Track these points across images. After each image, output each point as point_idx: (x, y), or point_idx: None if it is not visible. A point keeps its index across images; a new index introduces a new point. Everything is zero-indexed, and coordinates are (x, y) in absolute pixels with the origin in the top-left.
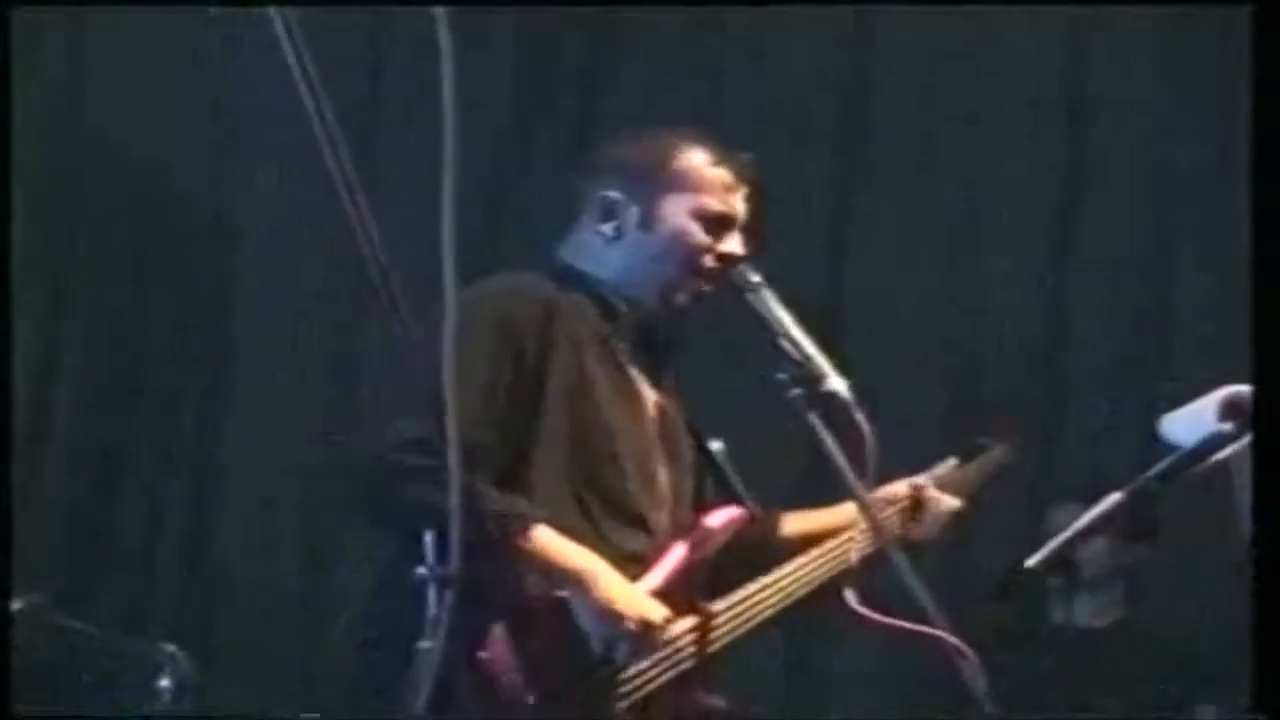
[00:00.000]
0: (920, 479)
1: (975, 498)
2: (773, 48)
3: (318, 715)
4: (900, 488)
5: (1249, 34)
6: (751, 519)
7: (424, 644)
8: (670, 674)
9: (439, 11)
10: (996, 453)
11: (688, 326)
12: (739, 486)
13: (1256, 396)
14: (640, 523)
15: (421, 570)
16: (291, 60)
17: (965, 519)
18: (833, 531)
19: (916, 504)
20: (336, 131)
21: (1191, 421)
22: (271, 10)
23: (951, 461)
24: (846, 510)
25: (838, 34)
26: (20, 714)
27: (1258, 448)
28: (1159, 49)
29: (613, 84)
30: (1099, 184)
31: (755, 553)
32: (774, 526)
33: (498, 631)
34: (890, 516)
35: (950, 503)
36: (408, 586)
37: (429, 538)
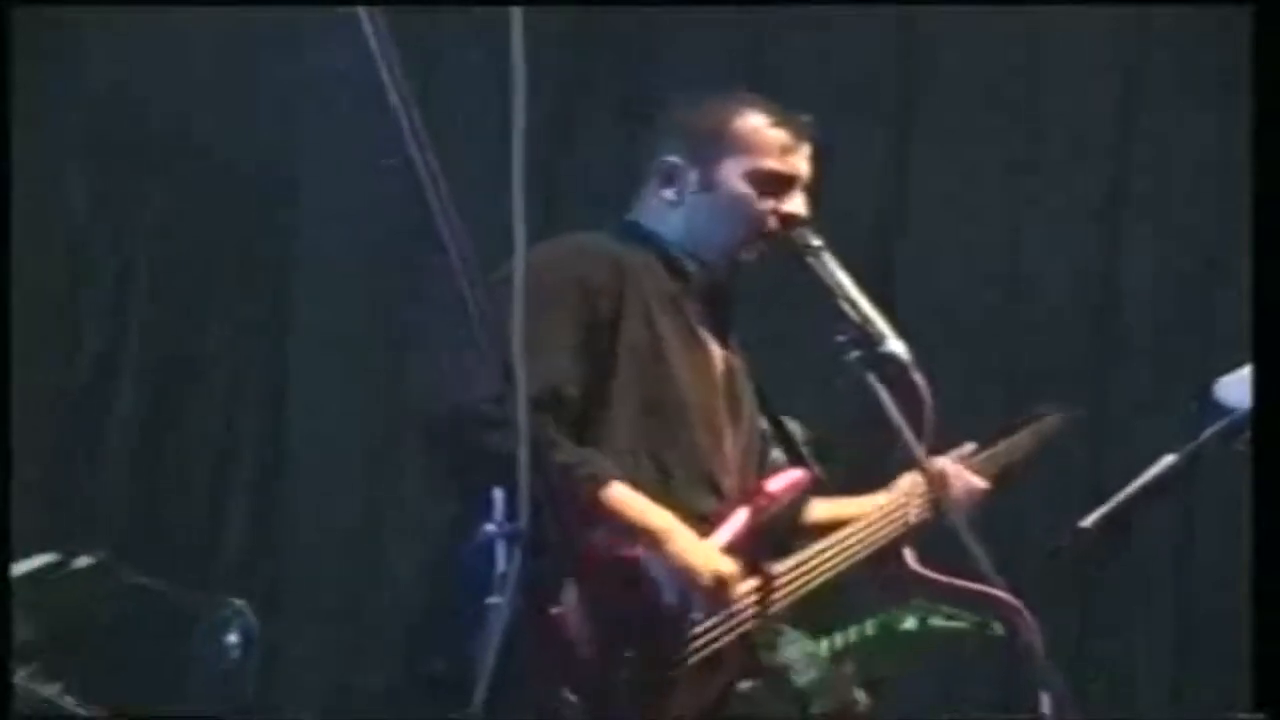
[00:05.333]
0: (942, 459)
1: (1028, 463)
2: (823, 26)
3: None
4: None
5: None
6: (815, 482)
7: (493, 599)
8: (734, 633)
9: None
10: (1050, 420)
11: (749, 295)
12: (804, 450)
13: (1257, 396)
14: (709, 482)
15: (490, 527)
16: (371, 39)
17: (996, 494)
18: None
19: (939, 483)
20: (411, 103)
21: (1246, 384)
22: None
23: (970, 446)
24: (871, 499)
25: (889, 14)
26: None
27: (1258, 447)
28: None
29: (661, 59)
30: (1144, 162)
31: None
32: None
33: (570, 588)
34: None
35: (975, 481)
36: (473, 544)
37: (499, 495)
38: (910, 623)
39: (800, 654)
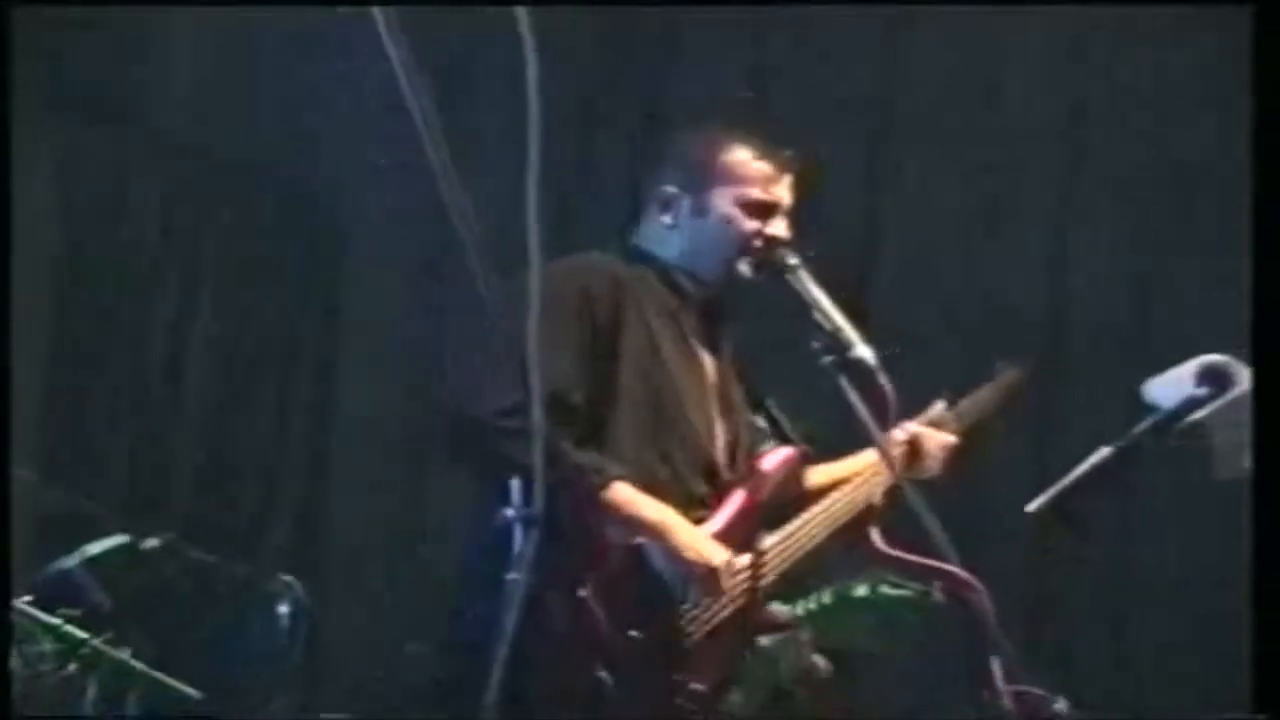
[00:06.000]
0: (911, 424)
1: (993, 419)
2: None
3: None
4: (896, 434)
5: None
6: (804, 457)
7: (511, 576)
8: (730, 608)
9: (521, 11)
10: (1009, 375)
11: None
12: (790, 430)
13: (1256, 396)
14: (704, 469)
15: (509, 512)
16: (394, 60)
17: (967, 451)
18: (850, 477)
19: (914, 446)
20: (436, 127)
21: (1172, 386)
22: (376, 12)
23: (940, 404)
24: (859, 459)
25: (871, 38)
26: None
27: (1258, 447)
28: (1153, 48)
29: (677, 79)
30: (1096, 180)
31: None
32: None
33: (590, 576)
34: (897, 458)
35: (945, 438)
36: (495, 528)
37: (516, 483)
38: (862, 590)
39: None
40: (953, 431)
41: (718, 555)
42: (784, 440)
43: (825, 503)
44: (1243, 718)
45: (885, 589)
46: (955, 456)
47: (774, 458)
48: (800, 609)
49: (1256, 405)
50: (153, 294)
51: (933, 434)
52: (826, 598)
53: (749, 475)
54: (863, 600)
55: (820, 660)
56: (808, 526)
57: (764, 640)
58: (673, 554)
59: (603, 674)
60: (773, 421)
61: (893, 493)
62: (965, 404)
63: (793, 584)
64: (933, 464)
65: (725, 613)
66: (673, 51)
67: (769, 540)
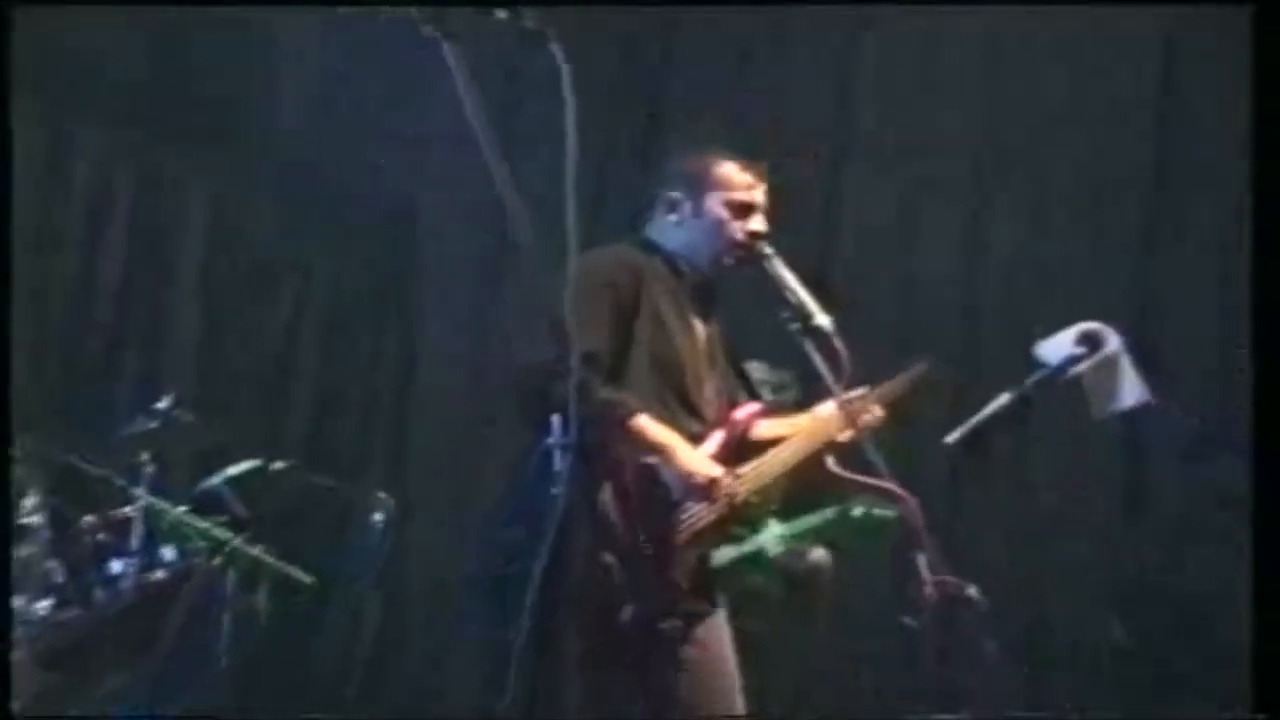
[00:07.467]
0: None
1: (907, 399)
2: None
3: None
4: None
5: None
6: (764, 411)
7: (555, 490)
8: (714, 515)
9: (560, 57)
10: (919, 367)
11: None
12: (760, 392)
13: (1256, 395)
14: (696, 413)
15: (550, 441)
16: (460, 83)
17: (891, 420)
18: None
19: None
20: (495, 141)
21: (1055, 347)
22: (444, 44)
23: (862, 390)
24: (808, 415)
25: (830, 48)
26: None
27: (1258, 447)
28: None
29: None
30: (1007, 188)
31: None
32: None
33: (607, 486)
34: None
35: (876, 411)
36: (541, 453)
37: (557, 419)
38: (859, 510)
39: (773, 536)
40: (878, 405)
41: (715, 469)
42: (753, 395)
43: (788, 443)
44: (1243, 718)
45: (876, 510)
46: (877, 425)
47: (745, 410)
48: (805, 524)
49: (1257, 405)
50: (279, 274)
51: (864, 405)
52: (830, 514)
53: (726, 420)
54: (859, 518)
55: (820, 552)
56: (774, 458)
57: (723, 558)
58: (678, 468)
59: (611, 560)
60: (745, 380)
61: (845, 431)
62: (886, 387)
63: (807, 504)
64: (861, 428)
65: (709, 519)
66: (669, 53)
67: (743, 469)
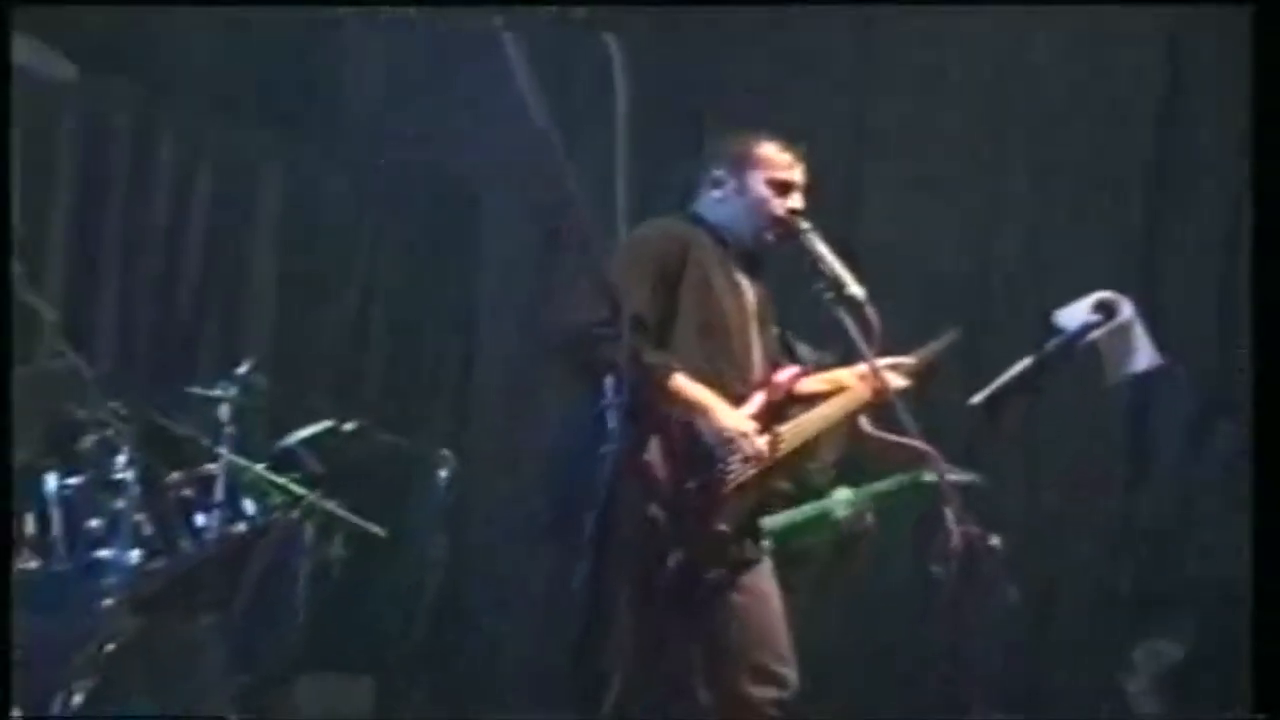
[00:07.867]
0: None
1: (932, 367)
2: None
3: None
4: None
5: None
6: (805, 373)
7: (605, 448)
8: (754, 470)
9: (613, 48)
10: (944, 337)
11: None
12: (801, 354)
13: (1256, 395)
14: (742, 375)
15: (604, 401)
16: (522, 82)
17: (918, 387)
18: (842, 385)
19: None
20: (556, 130)
21: (1072, 314)
22: (506, 39)
23: (890, 360)
24: (845, 371)
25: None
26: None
27: (1258, 446)
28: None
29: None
30: (1007, 188)
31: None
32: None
33: (653, 443)
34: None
35: (900, 380)
36: (595, 413)
37: (609, 380)
38: (928, 476)
39: (841, 500)
40: (904, 375)
41: (749, 425)
42: (794, 360)
43: (824, 405)
44: (1243, 717)
45: (930, 478)
46: (905, 392)
47: (786, 373)
48: (870, 490)
49: (1257, 405)
50: (351, 250)
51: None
52: (893, 484)
53: (769, 382)
54: (926, 485)
55: (874, 522)
56: (813, 416)
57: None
58: (717, 425)
59: (657, 512)
60: (787, 346)
61: (878, 394)
62: (911, 358)
63: (866, 472)
64: (891, 393)
65: (750, 473)
66: (709, 52)
67: (782, 428)
